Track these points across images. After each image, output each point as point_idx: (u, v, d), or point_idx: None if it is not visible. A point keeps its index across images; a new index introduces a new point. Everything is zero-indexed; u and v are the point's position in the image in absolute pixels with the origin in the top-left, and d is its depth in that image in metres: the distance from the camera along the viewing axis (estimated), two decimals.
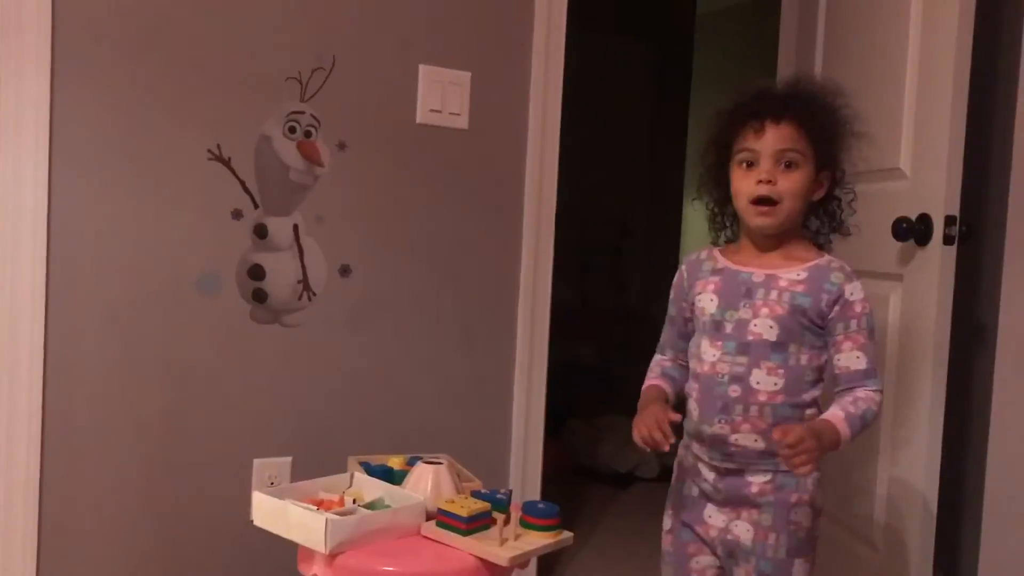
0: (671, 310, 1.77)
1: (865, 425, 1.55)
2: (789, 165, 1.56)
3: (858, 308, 1.57)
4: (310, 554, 1.61)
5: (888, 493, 2.19)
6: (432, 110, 2.31)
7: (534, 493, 2.48)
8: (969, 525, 2.31)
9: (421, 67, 2.29)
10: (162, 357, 2.09)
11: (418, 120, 2.30)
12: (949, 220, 2.04)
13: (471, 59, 2.35)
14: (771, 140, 1.55)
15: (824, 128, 1.58)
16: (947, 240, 2.04)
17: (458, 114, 2.34)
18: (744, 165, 1.59)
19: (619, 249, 4.89)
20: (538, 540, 1.64)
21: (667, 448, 1.53)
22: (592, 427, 3.88)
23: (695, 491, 1.68)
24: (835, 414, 1.54)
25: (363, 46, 2.23)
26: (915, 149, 2.15)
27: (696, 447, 1.66)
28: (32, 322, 1.95)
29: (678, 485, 1.72)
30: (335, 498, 1.72)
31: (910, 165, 2.16)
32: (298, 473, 2.19)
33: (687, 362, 1.71)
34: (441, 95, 2.32)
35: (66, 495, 2.01)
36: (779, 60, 2.82)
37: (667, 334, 1.78)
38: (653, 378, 1.76)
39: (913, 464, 2.10)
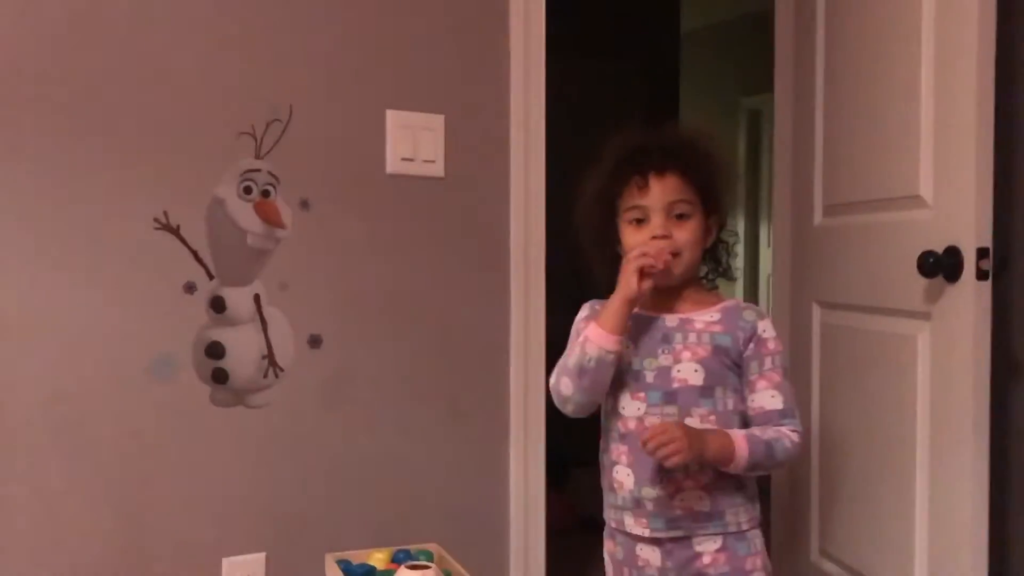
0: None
1: (772, 456, 1.50)
2: (681, 216, 1.55)
3: (771, 345, 1.56)
4: None
5: (929, 554, 1.98)
6: (403, 159, 2.14)
7: (538, 569, 2.27)
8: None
9: (388, 112, 2.12)
10: (112, 455, 1.90)
11: (388, 170, 2.13)
12: (981, 253, 1.85)
13: (443, 100, 2.18)
14: (659, 194, 1.54)
15: (708, 174, 1.58)
16: (980, 275, 1.85)
17: (432, 161, 2.17)
18: (634, 223, 1.57)
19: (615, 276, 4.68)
20: None
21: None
22: (597, 476, 3.66)
23: None
24: (736, 431, 1.51)
25: (322, 93, 2.06)
26: (936, 174, 1.96)
27: (631, 523, 1.56)
28: None
29: None
30: None
31: (931, 192, 1.97)
32: (273, 571, 2.01)
33: None
34: (412, 141, 2.14)
35: None
36: (776, 79, 2.63)
37: None
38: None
39: (955, 531, 1.89)
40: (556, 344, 2.31)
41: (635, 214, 1.56)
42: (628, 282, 1.50)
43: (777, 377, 1.55)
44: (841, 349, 2.28)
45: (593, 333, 1.52)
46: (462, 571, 1.75)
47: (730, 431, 1.50)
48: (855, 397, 2.20)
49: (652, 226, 1.54)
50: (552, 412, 2.24)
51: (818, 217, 2.38)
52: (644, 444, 1.43)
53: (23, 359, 1.83)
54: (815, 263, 2.40)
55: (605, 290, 1.60)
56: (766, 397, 1.54)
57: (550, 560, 2.32)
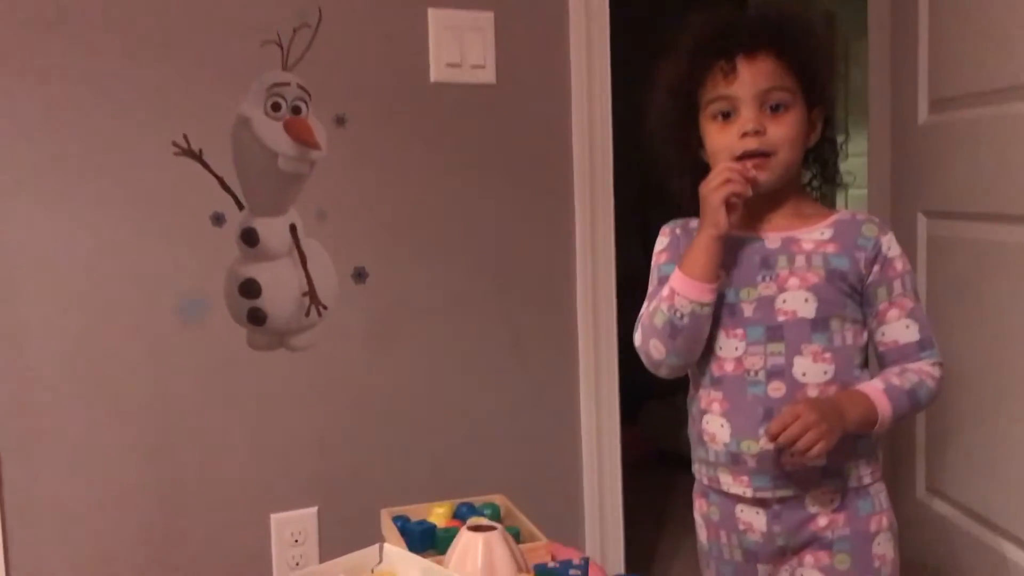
0: (667, 272, 1.38)
1: (917, 405, 1.32)
2: (776, 108, 1.31)
3: (900, 265, 1.34)
4: None
5: None
6: (449, 64, 1.94)
7: (615, 528, 2.14)
8: None
9: (430, 11, 1.92)
10: (143, 407, 1.77)
11: (432, 79, 1.93)
12: None
13: None
14: (749, 80, 1.30)
15: (810, 56, 1.34)
16: None
17: (482, 66, 1.97)
18: (720, 117, 1.33)
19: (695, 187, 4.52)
20: None
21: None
22: (672, 408, 3.58)
23: (738, 553, 1.40)
24: (871, 385, 1.30)
25: None
26: None
27: (728, 481, 1.36)
28: None
29: (712, 548, 1.44)
30: None
31: None
32: (326, 527, 1.89)
33: None
34: (459, 44, 1.94)
35: None
36: None
37: None
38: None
39: None
40: (627, 267, 2.13)
41: (720, 106, 1.32)
42: (715, 217, 1.27)
43: (909, 303, 1.33)
44: (953, 264, 2.06)
45: (680, 284, 1.29)
46: (532, 527, 1.56)
47: (866, 389, 1.29)
48: (970, 318, 1.98)
49: (742, 120, 1.30)
50: (624, 340, 2.09)
51: (923, 115, 2.14)
52: (773, 439, 1.23)
53: (38, 307, 1.69)
54: (920, 167, 2.16)
55: (685, 206, 1.39)
56: (899, 328, 1.33)
57: (626, 497, 2.18)
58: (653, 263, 1.42)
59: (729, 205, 1.27)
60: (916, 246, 2.15)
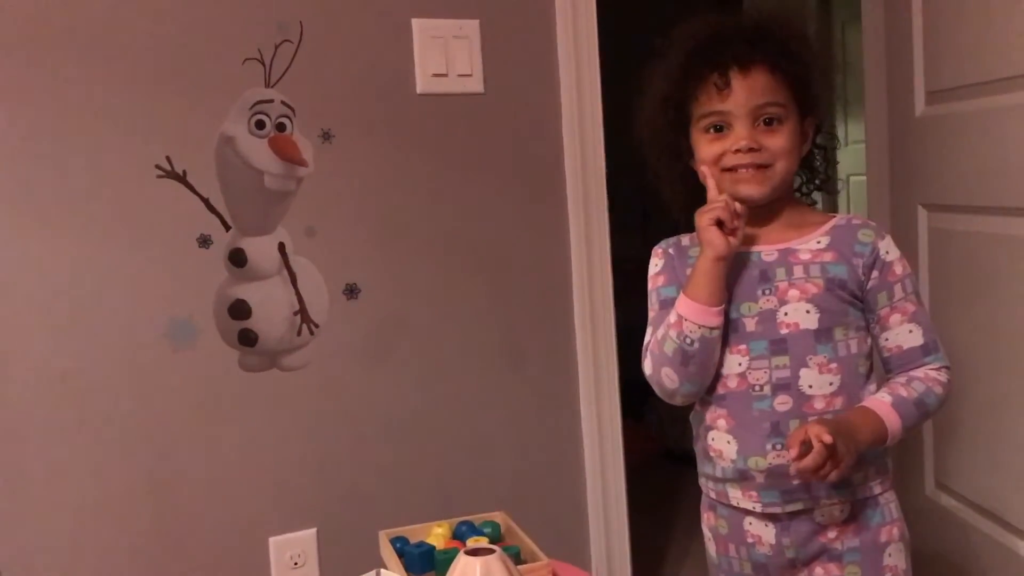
0: (668, 295, 1.37)
1: (925, 414, 1.30)
2: (771, 121, 1.29)
3: (899, 269, 1.32)
4: None
5: None
6: (435, 74, 1.92)
7: (621, 537, 2.11)
8: None
9: (414, 21, 1.90)
10: (135, 434, 1.75)
11: (419, 89, 1.91)
12: None
13: (477, 2, 1.95)
14: (743, 95, 1.27)
15: (805, 68, 1.31)
16: None
17: (469, 75, 1.94)
18: (712, 131, 1.31)
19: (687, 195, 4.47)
20: None
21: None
22: (677, 405, 3.52)
23: (747, 567, 1.38)
24: (878, 400, 1.28)
25: (335, 4, 1.84)
26: None
27: (737, 496, 1.34)
28: None
29: (721, 562, 1.42)
30: None
31: None
32: (326, 548, 1.87)
33: None
34: (444, 53, 1.91)
35: None
36: None
37: None
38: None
39: None
40: (624, 269, 2.10)
41: (712, 120, 1.29)
42: (711, 240, 1.25)
43: (911, 307, 1.31)
44: (955, 257, 2.02)
45: (687, 309, 1.26)
46: (533, 545, 1.54)
47: (874, 405, 1.27)
48: (973, 311, 1.95)
49: (735, 135, 1.28)
50: (623, 340, 2.09)
51: (920, 106, 2.10)
52: (794, 462, 1.20)
53: (24, 334, 1.67)
54: (918, 159, 2.13)
55: (677, 213, 1.38)
56: (903, 333, 1.31)
57: (632, 499, 2.16)
58: (650, 287, 1.40)
59: (722, 225, 1.25)
60: (917, 239, 2.12)
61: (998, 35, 1.80)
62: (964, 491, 2.04)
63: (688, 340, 1.26)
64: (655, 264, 1.41)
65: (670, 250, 1.40)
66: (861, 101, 2.42)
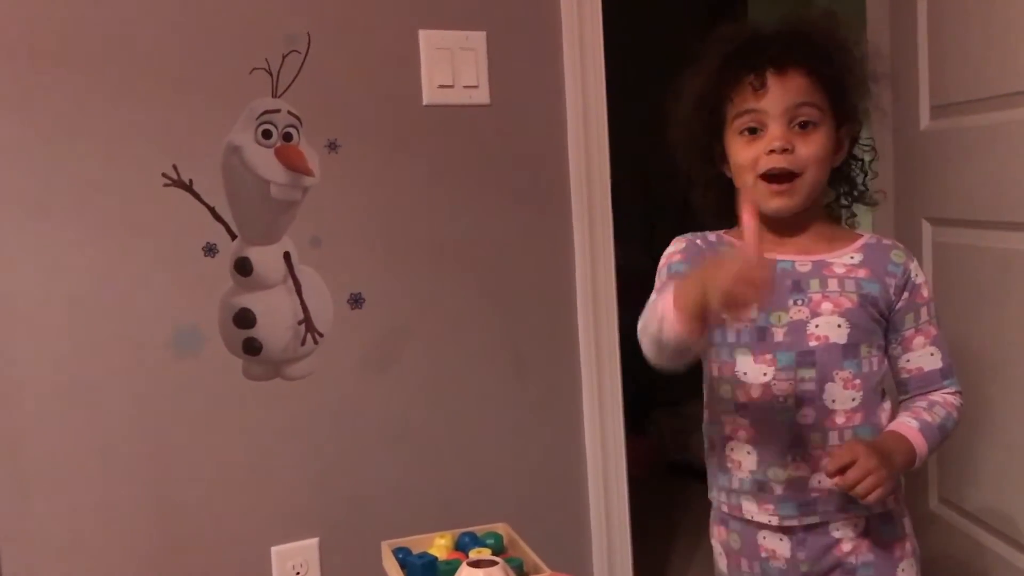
0: (679, 269, 1.34)
1: (945, 437, 1.32)
2: (805, 125, 1.27)
3: (926, 293, 1.33)
4: None
5: None
6: (441, 86, 1.91)
7: (624, 550, 2.10)
8: None
9: (421, 33, 1.89)
10: (138, 442, 1.74)
11: (425, 101, 1.90)
12: None
13: (483, 14, 1.93)
14: (778, 95, 1.26)
15: (841, 72, 1.29)
16: None
17: (475, 86, 1.94)
18: (746, 132, 1.29)
19: (688, 202, 4.46)
20: None
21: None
22: (679, 416, 3.57)
23: None
24: (907, 425, 1.29)
25: (342, 16, 1.83)
26: None
27: (752, 509, 1.33)
28: None
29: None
30: None
31: None
32: (328, 557, 1.86)
33: None
34: (451, 65, 1.91)
35: None
36: None
37: None
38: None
39: None
40: (628, 280, 2.10)
41: (747, 121, 1.28)
42: (740, 317, 1.13)
43: (934, 330, 1.33)
44: (959, 272, 2.02)
45: (670, 310, 1.11)
46: (535, 558, 1.53)
47: (903, 429, 1.28)
48: (977, 326, 1.95)
49: (769, 137, 1.26)
50: (627, 353, 2.06)
51: (925, 120, 2.10)
52: (832, 475, 1.20)
53: (30, 341, 1.67)
54: (923, 174, 2.13)
55: (707, 221, 1.39)
56: (925, 356, 1.32)
57: (636, 512, 2.15)
58: (663, 262, 1.36)
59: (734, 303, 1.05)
60: (922, 253, 2.12)
61: (1003, 50, 1.80)
62: (968, 506, 2.04)
63: (665, 339, 1.14)
64: (677, 244, 1.37)
65: (697, 240, 1.37)
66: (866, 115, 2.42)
